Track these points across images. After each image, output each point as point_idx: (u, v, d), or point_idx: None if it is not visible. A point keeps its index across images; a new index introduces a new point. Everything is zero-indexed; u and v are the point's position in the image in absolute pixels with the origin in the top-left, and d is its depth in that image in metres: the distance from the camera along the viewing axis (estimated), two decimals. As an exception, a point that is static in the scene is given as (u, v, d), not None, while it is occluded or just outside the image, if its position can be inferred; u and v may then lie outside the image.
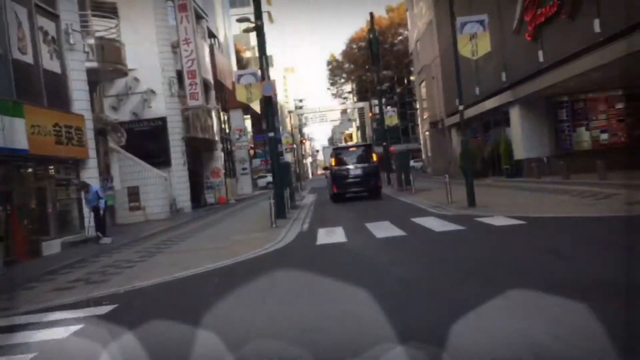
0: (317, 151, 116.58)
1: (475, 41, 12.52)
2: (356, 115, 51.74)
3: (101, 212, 12.44)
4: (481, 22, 12.48)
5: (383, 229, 9.94)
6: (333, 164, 19.23)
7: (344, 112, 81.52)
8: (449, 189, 14.11)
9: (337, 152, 19.75)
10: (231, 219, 17.22)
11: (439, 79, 35.04)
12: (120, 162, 19.00)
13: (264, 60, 15.30)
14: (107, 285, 7.22)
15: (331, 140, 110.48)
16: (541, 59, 17.02)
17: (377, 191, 19.36)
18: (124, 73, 18.18)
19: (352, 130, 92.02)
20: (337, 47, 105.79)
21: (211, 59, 28.66)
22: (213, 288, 6.28)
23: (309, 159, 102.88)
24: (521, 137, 19.89)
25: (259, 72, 15.79)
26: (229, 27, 44.57)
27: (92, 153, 14.04)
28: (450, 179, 27.46)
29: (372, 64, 30.43)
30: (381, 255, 7.45)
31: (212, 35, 32.56)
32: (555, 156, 19.31)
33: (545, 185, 15.88)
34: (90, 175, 13.99)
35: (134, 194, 18.88)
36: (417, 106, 56.64)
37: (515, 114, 20.27)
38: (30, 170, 12.01)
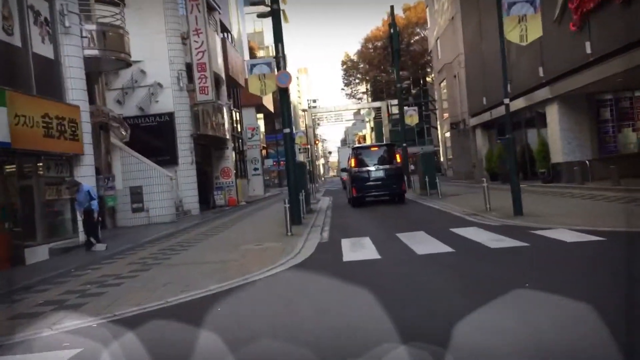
0: (330, 152, 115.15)
1: (525, 24, 10.85)
2: (372, 115, 50.01)
3: (95, 214, 10.96)
4: (531, 2, 10.80)
5: (421, 242, 8.32)
6: (353, 165, 17.61)
7: (357, 113, 79.85)
8: (487, 194, 12.47)
9: (358, 152, 18.12)
10: (241, 223, 15.69)
11: (461, 77, 33.34)
12: (123, 160, 17.56)
13: (279, 47, 13.75)
14: (80, 313, 5.69)
15: (344, 142, 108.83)
16: (589, 51, 15.27)
17: (401, 195, 17.73)
18: (127, 63, 16.75)
19: (366, 131, 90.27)
20: (350, 49, 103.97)
21: (223, 53, 27.22)
22: (213, 324, 4.73)
23: (322, 161, 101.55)
24: (559, 138, 18.11)
25: (274, 62, 14.27)
26: (242, 24, 43.24)
27: (87, 148, 12.60)
28: (474, 182, 25.72)
29: (392, 60, 28.74)
30: (433, 281, 5.82)
31: (225, 29, 31.17)
32: (599, 159, 17.53)
33: (594, 192, 14.13)
34: (86, 173, 12.56)
35: (136, 194, 17.42)
36: (436, 107, 55.00)
37: (552, 112, 18.50)
38: (13, 166, 10.56)
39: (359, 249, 8.35)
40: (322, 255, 8.31)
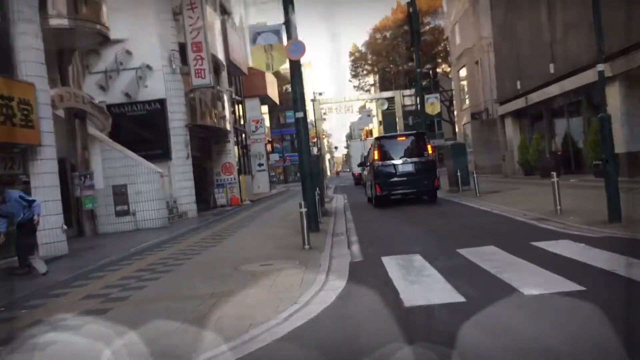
0: (336, 148, 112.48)
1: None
2: (385, 106, 47.02)
3: (36, 218, 8.11)
4: None
5: (510, 268, 5.56)
6: (376, 157, 14.86)
7: (362, 107, 76.88)
8: (557, 191, 9.74)
9: (381, 143, 15.33)
10: (245, 229, 12.99)
11: (484, 63, 30.53)
12: (104, 154, 14.87)
13: (289, 10, 10.99)
14: None
15: (350, 137, 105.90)
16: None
17: (433, 193, 15.00)
18: (105, 37, 14.01)
19: (373, 126, 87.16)
20: (357, 41, 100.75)
21: (223, 35, 24.42)
22: None
23: (328, 156, 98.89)
24: (621, 124, 15.25)
25: (283, 29, 11.51)
26: (245, 15, 40.45)
27: (47, 138, 9.91)
28: (503, 176, 22.74)
29: (411, 43, 25.86)
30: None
31: (225, 12, 28.40)
32: (671, 149, 14.74)
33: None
34: (45, 169, 9.90)
35: (120, 194, 14.73)
36: (447, 97, 52.18)
37: (613, 94, 15.62)
38: None
39: (418, 279, 5.60)
40: (362, 289, 5.55)
